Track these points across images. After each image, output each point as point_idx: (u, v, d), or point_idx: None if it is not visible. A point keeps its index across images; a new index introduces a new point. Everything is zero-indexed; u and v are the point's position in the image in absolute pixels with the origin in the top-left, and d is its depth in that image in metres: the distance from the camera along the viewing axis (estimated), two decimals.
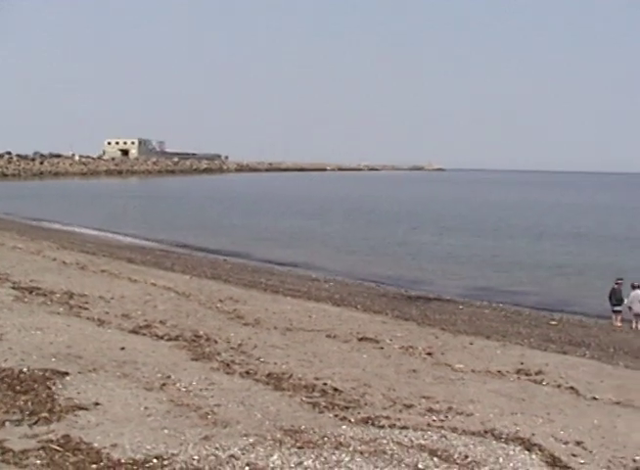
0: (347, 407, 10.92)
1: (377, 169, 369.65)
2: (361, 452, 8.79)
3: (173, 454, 8.40)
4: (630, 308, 25.75)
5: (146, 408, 10.22)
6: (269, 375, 12.67)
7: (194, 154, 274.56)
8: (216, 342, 15.36)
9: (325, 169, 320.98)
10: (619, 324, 25.72)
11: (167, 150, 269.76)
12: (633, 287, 25.78)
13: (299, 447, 8.83)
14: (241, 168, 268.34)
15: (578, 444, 10.03)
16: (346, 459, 8.52)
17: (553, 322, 25.04)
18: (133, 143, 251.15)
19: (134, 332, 15.83)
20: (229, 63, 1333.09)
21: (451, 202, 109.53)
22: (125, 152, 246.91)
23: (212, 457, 8.36)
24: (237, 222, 66.85)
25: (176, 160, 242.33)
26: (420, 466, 8.52)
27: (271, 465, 8.23)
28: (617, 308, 26.13)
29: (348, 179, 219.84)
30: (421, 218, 74.53)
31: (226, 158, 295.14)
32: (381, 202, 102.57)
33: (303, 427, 9.70)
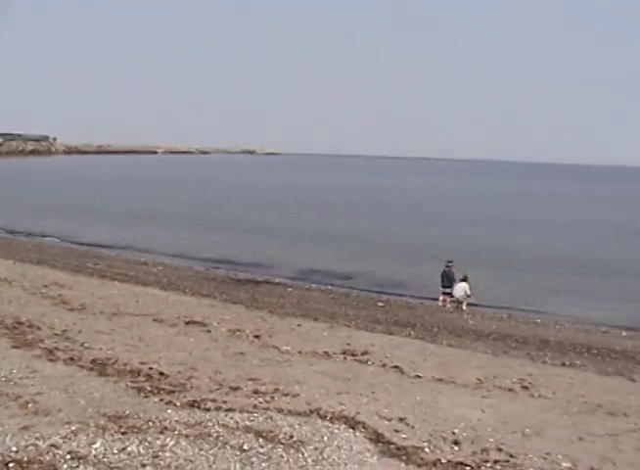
0: (173, 391, 10.87)
1: (208, 153, 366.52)
2: (186, 436, 8.78)
3: None
4: (452, 296, 26.60)
5: None
6: (94, 361, 12.46)
7: (19, 135, 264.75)
8: (40, 328, 14.97)
9: (155, 152, 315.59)
10: (448, 305, 26.44)
11: None
12: (461, 279, 26.57)
13: (123, 433, 8.74)
14: (69, 151, 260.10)
15: (401, 420, 10.35)
16: (171, 443, 8.49)
17: (380, 304, 25.54)
18: None
19: None
20: (57, 40, 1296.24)
21: (285, 185, 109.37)
22: None
23: (32, 447, 8.14)
24: (66, 205, 64.78)
25: (0, 141, 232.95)
26: (245, 447, 8.58)
27: (94, 452, 8.10)
28: (447, 290, 26.83)
29: (180, 162, 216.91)
30: (253, 202, 74.36)
31: (54, 139, 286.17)
32: (214, 185, 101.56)
33: (128, 412, 9.59)
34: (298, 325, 18.02)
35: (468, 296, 26.21)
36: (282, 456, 8.44)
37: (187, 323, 16.75)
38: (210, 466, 8.01)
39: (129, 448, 8.26)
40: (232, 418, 9.59)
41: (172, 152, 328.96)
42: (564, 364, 16.65)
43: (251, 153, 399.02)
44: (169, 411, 9.75)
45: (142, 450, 8.23)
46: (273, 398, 10.97)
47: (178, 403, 10.22)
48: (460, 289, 26.26)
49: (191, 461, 8.07)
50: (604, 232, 55.57)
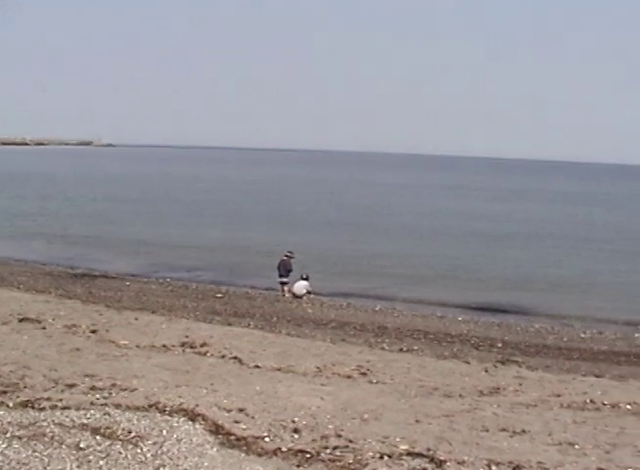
0: (5, 392, 10.54)
1: (44, 144, 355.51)
2: (19, 437, 8.54)
3: None
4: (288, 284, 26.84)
5: None
6: None
7: None
8: None
9: None
10: (287, 295, 26.56)
11: None
12: (301, 278, 26.75)
13: None
14: None
15: (241, 410, 10.37)
16: (3, 446, 8.26)
17: (219, 295, 25.55)
18: None
19: None
20: None
21: (125, 177, 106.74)
22: None
23: None
24: None
25: None
26: (82, 445, 8.42)
27: None
28: (284, 280, 26.96)
29: (14, 154, 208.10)
30: (90, 195, 72.47)
31: None
32: (53, 178, 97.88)
33: None
34: (136, 319, 17.79)
35: (309, 293, 26.48)
36: (120, 453, 8.32)
37: (20, 320, 16.26)
38: (45, 467, 7.80)
39: None
40: (68, 416, 9.39)
41: (5, 143, 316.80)
42: (401, 350, 17.05)
43: (89, 144, 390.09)
44: (1, 413, 9.45)
45: None
46: (110, 393, 10.80)
47: (11, 404, 9.92)
48: (301, 287, 26.49)
49: (24, 464, 7.83)
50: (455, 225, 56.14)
